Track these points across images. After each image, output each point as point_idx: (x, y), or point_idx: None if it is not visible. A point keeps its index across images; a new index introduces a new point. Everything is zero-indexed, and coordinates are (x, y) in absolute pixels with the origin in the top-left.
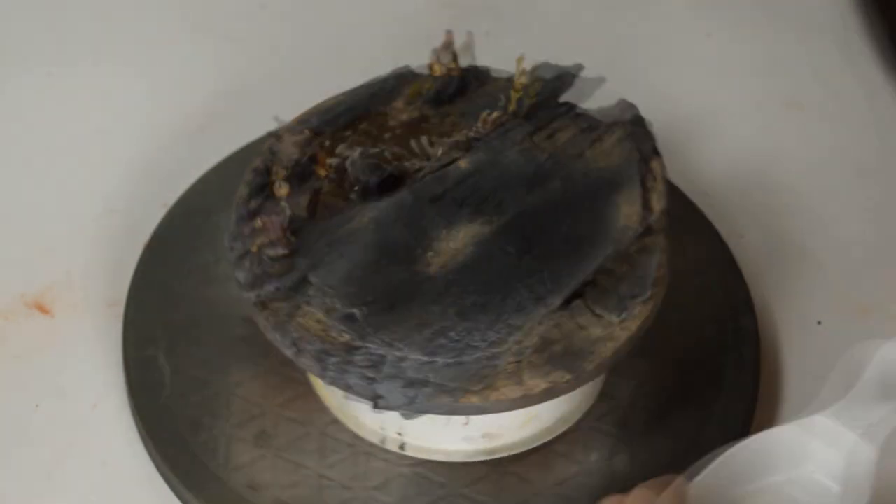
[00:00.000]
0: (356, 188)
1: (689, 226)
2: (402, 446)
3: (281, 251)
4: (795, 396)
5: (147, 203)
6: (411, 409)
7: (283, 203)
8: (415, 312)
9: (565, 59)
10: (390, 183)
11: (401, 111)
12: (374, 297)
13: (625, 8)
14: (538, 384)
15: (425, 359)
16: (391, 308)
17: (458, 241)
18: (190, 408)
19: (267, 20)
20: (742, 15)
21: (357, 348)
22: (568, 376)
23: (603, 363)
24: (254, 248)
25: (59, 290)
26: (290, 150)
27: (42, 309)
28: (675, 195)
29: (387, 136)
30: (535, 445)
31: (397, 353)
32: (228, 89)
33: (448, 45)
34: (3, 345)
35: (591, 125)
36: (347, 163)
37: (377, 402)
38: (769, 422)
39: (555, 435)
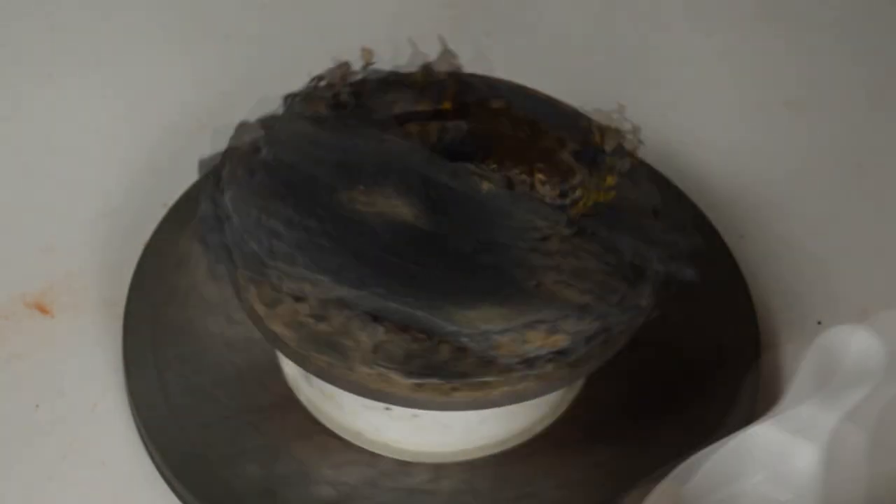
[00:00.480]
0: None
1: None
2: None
3: (321, 93)
4: None
5: (147, 203)
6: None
7: (361, 72)
8: (286, 204)
9: (563, 58)
10: (457, 154)
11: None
12: (281, 180)
13: (624, 8)
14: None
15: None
16: (283, 186)
17: (379, 201)
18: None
19: (267, 20)
20: (742, 15)
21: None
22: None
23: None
24: (313, 81)
25: (59, 290)
26: (437, 69)
27: (42, 309)
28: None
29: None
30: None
31: (232, 213)
32: (228, 89)
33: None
34: (3, 345)
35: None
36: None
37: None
38: None
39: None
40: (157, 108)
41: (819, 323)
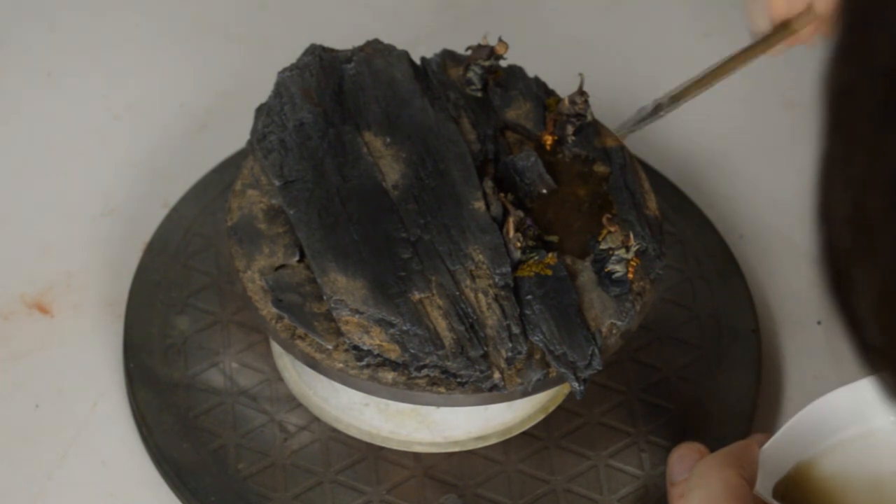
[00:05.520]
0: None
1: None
2: None
3: (461, 58)
4: (795, 396)
5: (147, 203)
6: None
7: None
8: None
9: (564, 58)
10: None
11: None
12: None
13: (624, 8)
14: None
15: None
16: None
17: (388, 156)
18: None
19: (267, 20)
20: (742, 15)
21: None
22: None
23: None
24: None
25: (59, 290)
26: (565, 105)
27: (42, 309)
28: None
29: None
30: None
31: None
32: (228, 89)
33: (581, 88)
34: (3, 345)
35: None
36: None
37: None
38: (770, 422)
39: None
40: (157, 108)
41: (819, 323)
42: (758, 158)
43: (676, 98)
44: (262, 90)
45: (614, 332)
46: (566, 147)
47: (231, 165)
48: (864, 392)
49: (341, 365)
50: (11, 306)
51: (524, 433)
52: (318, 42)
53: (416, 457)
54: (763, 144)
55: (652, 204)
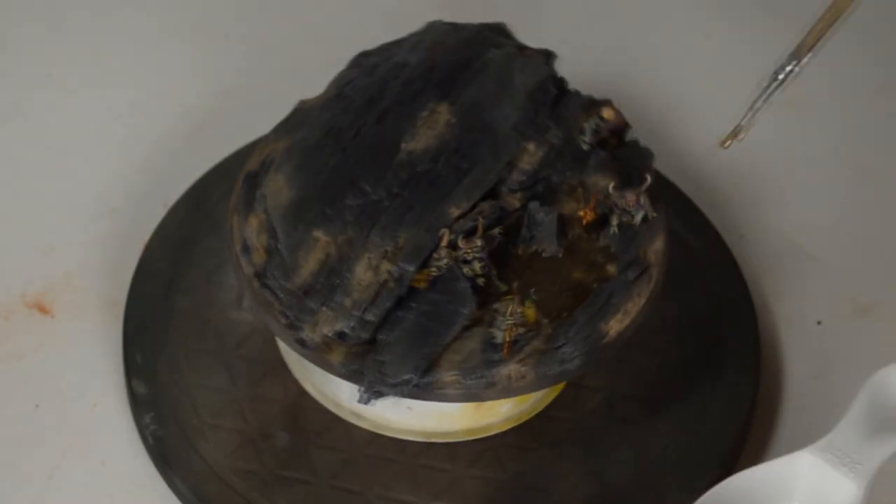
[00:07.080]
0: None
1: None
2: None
3: (586, 109)
4: (795, 396)
5: (147, 203)
6: None
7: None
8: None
9: (565, 59)
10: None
11: None
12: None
13: (625, 8)
14: None
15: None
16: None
17: (436, 121)
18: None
19: (267, 20)
20: (742, 15)
21: None
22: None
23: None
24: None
25: (59, 290)
26: (612, 193)
27: (42, 309)
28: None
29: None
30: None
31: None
32: (228, 89)
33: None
34: (3, 345)
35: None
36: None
37: None
38: (769, 422)
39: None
40: (157, 109)
41: (819, 323)
42: (758, 158)
43: (795, 55)
44: (262, 90)
45: (457, 386)
46: (604, 233)
47: (231, 165)
48: (783, 471)
49: (237, 247)
50: (11, 306)
51: (429, 443)
52: (317, 42)
53: (322, 407)
54: (763, 144)
55: (616, 325)
